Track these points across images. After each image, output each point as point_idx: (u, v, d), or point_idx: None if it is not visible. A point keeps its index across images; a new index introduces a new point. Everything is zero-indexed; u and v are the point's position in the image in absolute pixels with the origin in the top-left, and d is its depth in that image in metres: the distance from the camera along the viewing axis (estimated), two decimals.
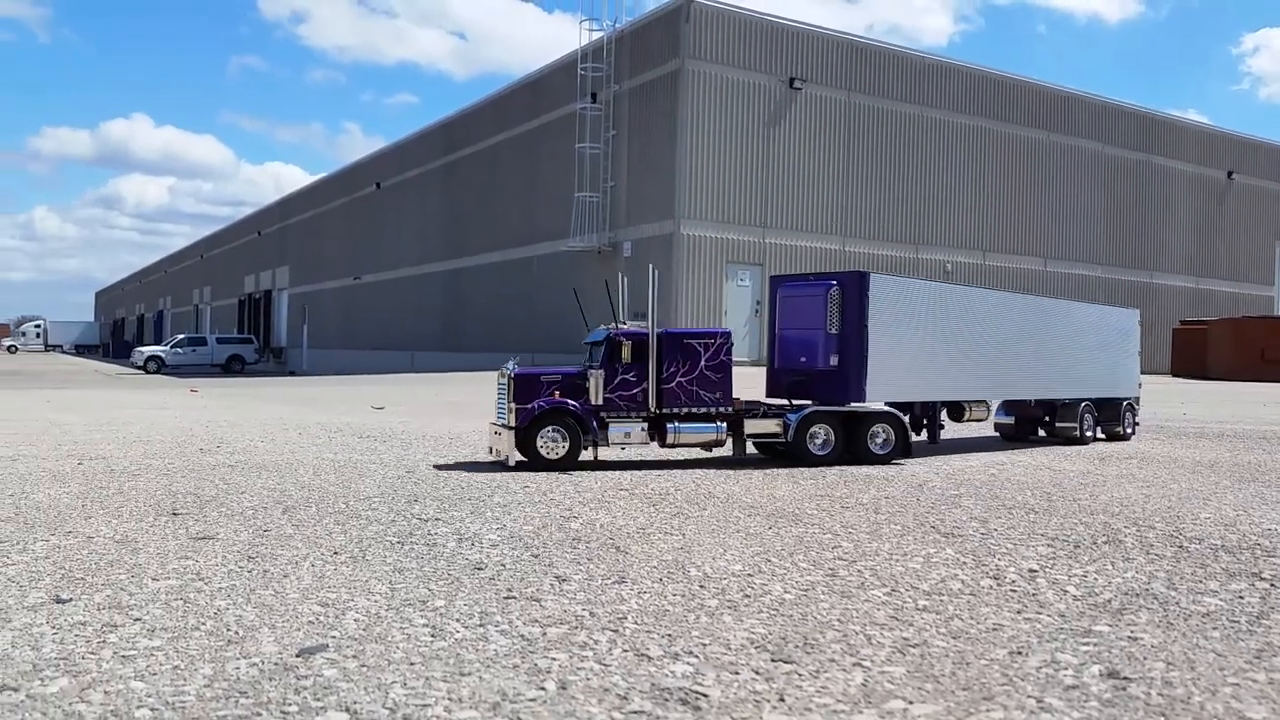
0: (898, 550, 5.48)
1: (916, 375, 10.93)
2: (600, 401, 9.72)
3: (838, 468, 9.69)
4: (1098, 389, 13.18)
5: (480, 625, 3.85)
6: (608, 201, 46.10)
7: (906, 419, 10.58)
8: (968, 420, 11.89)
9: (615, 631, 3.78)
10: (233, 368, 52.98)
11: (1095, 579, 4.90)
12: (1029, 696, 3.16)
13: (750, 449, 10.46)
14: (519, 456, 9.50)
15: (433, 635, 3.70)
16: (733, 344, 10.43)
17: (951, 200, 49.25)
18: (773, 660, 3.43)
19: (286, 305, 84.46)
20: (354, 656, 3.42)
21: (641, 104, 44.81)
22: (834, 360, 10.34)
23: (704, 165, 42.74)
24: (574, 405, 9.63)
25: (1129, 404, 13.55)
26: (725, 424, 9.95)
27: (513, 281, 55.58)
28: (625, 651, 3.52)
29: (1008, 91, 51.16)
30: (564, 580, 4.67)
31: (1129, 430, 13.48)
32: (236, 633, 3.71)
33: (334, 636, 3.68)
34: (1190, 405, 22.47)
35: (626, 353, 9.83)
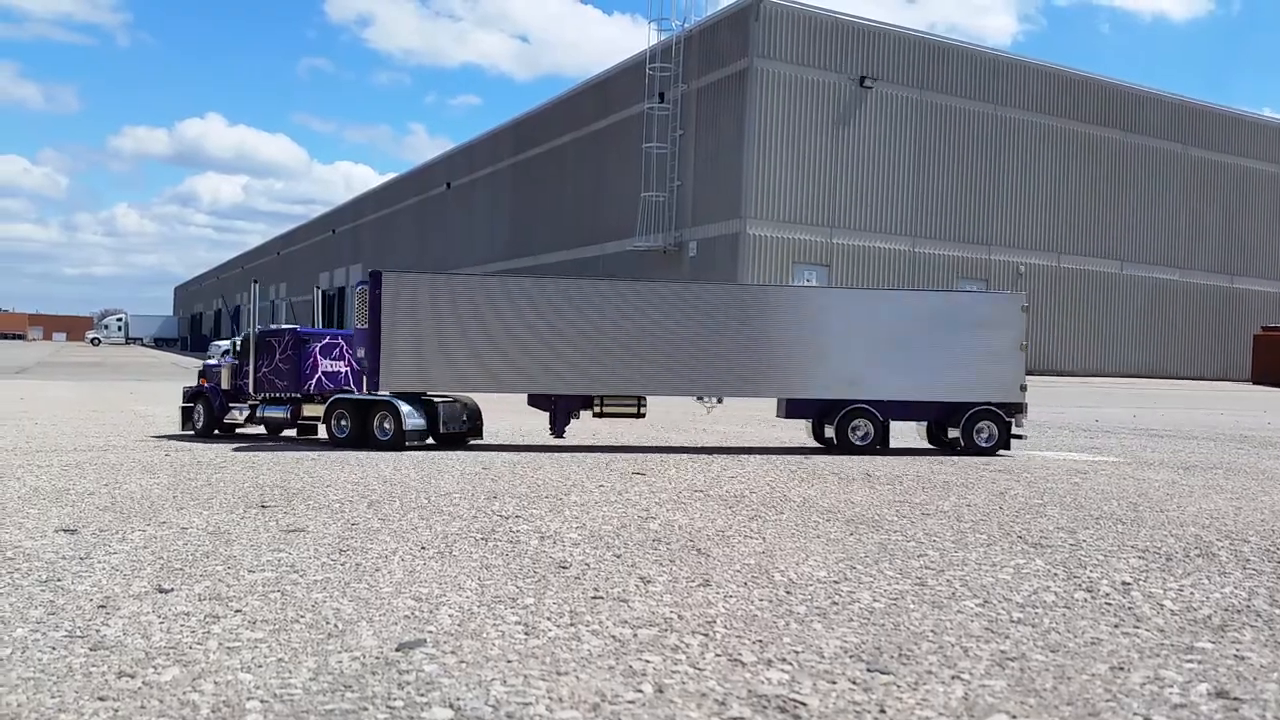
0: (986, 560, 5.39)
1: (470, 369, 11.15)
2: (228, 387, 12.42)
3: (913, 474, 9.56)
4: (897, 390, 11.38)
5: (571, 625, 3.87)
6: (674, 201, 46.09)
7: (406, 410, 10.94)
8: (607, 414, 11.54)
9: (706, 635, 3.77)
10: None
11: (1192, 593, 4.76)
12: (1135, 714, 3.08)
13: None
14: (184, 428, 12.59)
15: (526, 633, 3.74)
16: (304, 340, 12.11)
17: (1025, 201, 48.30)
18: (869, 670, 3.39)
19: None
20: (452, 652, 3.46)
21: (709, 103, 44.70)
22: (361, 353, 11.42)
23: (771, 165, 42.49)
24: (206, 389, 12.51)
25: (987, 409, 11.43)
26: (292, 407, 12.00)
27: None
28: (718, 656, 3.51)
29: (1083, 90, 49.98)
30: (649, 581, 4.68)
31: (985, 442, 11.38)
32: (336, 626, 3.79)
33: (430, 632, 3.73)
34: (1274, 414, 21.77)
35: (240, 349, 12.52)
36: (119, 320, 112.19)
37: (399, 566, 4.92)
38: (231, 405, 12.32)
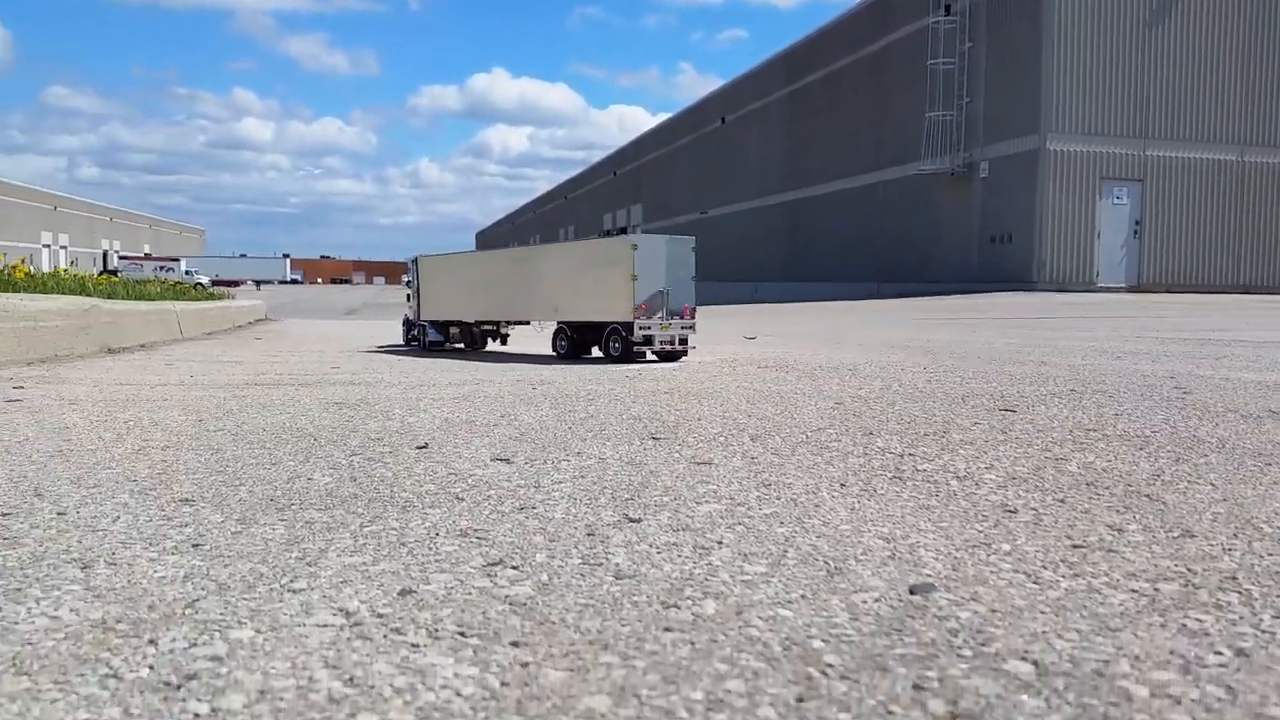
0: None
1: (455, 305, 18.70)
2: (412, 317, 19.94)
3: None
4: (572, 314, 15.57)
5: (1075, 575, 3.65)
6: (962, 119, 43.59)
7: (429, 330, 19.20)
8: (483, 332, 18.63)
9: (1239, 594, 3.43)
10: None
11: None
12: None
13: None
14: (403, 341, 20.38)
15: (1034, 582, 3.55)
16: (417, 289, 20.00)
17: None
18: None
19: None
20: (972, 599, 3.34)
21: (1001, 11, 41.61)
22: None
23: (1073, 73, 39.12)
24: (408, 316, 20.19)
25: (614, 327, 14.67)
26: (414, 329, 20.04)
27: (857, 209, 54.37)
28: (1276, 618, 3.18)
29: None
30: (1120, 530, 4.36)
31: (614, 352, 14.64)
32: (827, 564, 3.77)
33: (927, 574, 3.64)
34: None
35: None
36: None
37: (836, 503, 4.87)
38: (413, 327, 19.85)
